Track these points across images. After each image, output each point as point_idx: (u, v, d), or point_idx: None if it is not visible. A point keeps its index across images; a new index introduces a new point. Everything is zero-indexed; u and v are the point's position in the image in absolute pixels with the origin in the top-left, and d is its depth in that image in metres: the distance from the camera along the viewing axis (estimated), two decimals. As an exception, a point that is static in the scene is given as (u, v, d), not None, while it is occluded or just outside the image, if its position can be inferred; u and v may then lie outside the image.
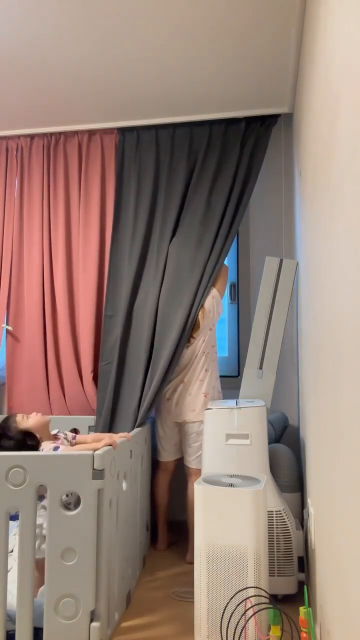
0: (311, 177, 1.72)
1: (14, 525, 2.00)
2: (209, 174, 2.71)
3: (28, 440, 2.01)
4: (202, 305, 2.53)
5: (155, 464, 2.66)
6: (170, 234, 2.71)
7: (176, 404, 2.54)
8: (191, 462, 2.52)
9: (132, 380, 2.59)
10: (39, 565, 1.75)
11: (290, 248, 2.87)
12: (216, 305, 2.57)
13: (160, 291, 2.62)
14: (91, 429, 2.72)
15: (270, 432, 2.37)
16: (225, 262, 2.72)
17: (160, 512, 2.62)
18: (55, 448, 1.96)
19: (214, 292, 2.57)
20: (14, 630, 1.65)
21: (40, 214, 2.96)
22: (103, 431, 2.56)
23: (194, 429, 2.50)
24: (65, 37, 2.13)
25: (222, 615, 1.62)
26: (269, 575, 1.88)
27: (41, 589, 1.80)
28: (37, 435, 2.04)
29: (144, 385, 2.55)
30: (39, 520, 1.79)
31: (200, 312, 2.52)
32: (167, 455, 2.62)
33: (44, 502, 1.78)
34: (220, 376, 2.85)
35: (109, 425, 2.58)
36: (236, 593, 1.63)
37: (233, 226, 2.65)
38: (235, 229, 2.66)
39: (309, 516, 1.88)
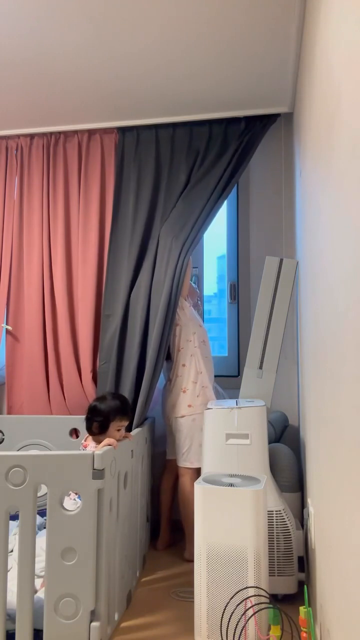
0: (311, 177, 1.72)
1: (14, 525, 2.00)
2: (207, 177, 2.71)
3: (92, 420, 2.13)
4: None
5: (164, 463, 2.69)
6: None
7: (164, 401, 2.62)
8: (179, 461, 2.53)
9: (129, 378, 2.59)
10: None
11: (290, 248, 2.87)
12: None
13: (151, 286, 2.63)
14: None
15: (270, 432, 2.37)
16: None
17: (163, 511, 2.63)
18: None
19: None
20: (14, 630, 1.65)
21: (40, 214, 2.96)
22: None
23: (176, 425, 2.52)
24: (65, 36, 2.13)
25: (222, 615, 1.62)
26: (269, 575, 1.88)
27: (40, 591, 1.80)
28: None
29: (139, 382, 2.55)
30: (10, 546, 1.77)
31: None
32: (170, 453, 2.65)
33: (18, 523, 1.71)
34: (221, 376, 2.85)
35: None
36: (236, 593, 1.63)
37: (211, 214, 2.66)
38: (213, 217, 2.67)
39: (309, 516, 1.88)
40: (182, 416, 2.50)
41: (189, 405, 2.50)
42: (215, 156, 2.73)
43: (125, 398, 2.32)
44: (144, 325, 2.59)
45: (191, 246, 2.62)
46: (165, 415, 2.63)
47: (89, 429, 2.15)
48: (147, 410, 2.53)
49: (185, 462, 2.49)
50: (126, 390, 2.57)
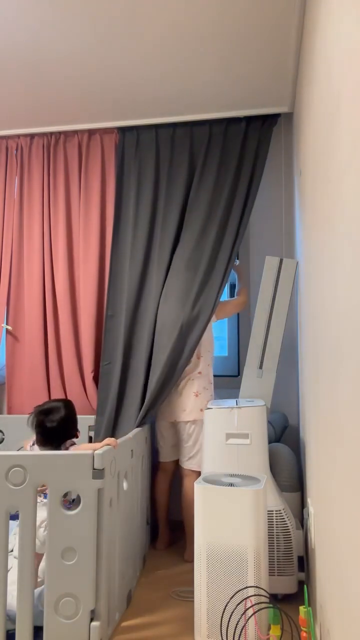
0: (311, 177, 1.72)
1: (14, 525, 2.00)
2: (211, 177, 2.69)
3: (73, 428, 2.12)
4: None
5: (155, 465, 2.67)
6: (172, 234, 2.69)
7: (168, 403, 2.56)
8: (184, 463, 2.51)
9: (134, 381, 2.58)
10: (39, 558, 1.80)
11: (290, 248, 2.87)
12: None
13: (161, 295, 2.60)
14: (91, 428, 2.72)
15: (270, 432, 2.37)
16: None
17: (160, 513, 2.62)
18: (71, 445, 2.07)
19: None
20: (14, 630, 1.65)
21: (41, 214, 2.96)
22: (106, 431, 2.56)
23: (185, 429, 2.50)
24: (65, 36, 2.13)
25: (222, 614, 1.62)
26: (269, 575, 1.88)
27: (38, 589, 1.81)
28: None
29: (145, 387, 2.54)
30: (44, 515, 1.80)
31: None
32: (165, 456, 2.62)
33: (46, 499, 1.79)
34: (221, 376, 2.85)
35: (112, 425, 2.57)
36: (236, 593, 1.63)
37: (238, 237, 2.62)
38: (240, 240, 2.62)
39: (309, 516, 1.88)
40: (195, 420, 2.47)
41: (201, 410, 2.46)
42: (219, 159, 2.69)
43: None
44: (152, 334, 2.57)
45: (224, 274, 2.56)
46: (166, 417, 2.57)
47: (72, 436, 2.12)
48: (150, 413, 2.52)
49: (192, 464, 2.47)
50: (134, 391, 2.56)
